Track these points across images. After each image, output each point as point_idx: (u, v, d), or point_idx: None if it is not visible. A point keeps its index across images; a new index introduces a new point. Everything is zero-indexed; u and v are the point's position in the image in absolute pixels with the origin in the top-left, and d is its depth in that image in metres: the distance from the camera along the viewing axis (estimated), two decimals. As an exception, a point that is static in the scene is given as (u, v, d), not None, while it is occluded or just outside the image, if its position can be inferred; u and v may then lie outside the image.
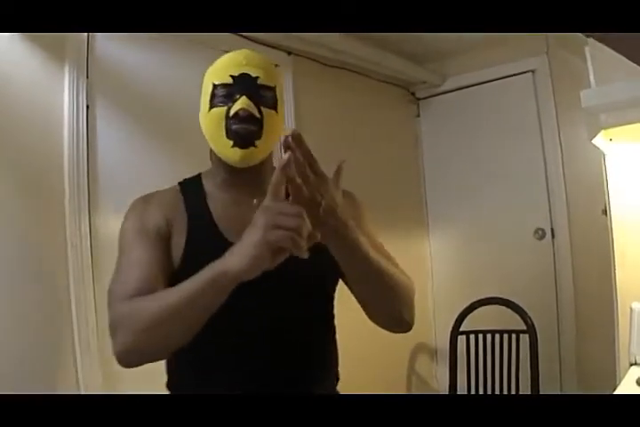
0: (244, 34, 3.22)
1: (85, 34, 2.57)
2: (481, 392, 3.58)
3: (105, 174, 2.62)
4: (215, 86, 1.53)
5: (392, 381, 4.21)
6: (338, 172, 1.34)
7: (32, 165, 2.39)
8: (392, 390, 4.10)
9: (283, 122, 1.60)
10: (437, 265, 4.82)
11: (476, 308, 3.69)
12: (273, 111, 1.53)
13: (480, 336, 3.61)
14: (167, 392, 1.59)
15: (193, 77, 2.97)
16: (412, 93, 4.89)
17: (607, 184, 2.46)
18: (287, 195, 1.22)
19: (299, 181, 1.21)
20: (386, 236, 4.10)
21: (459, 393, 3.67)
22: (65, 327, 2.45)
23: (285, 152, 1.17)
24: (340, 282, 1.64)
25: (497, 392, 3.51)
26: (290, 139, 1.17)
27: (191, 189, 1.64)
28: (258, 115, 1.49)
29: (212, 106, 1.53)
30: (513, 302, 3.54)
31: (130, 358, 1.34)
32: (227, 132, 1.49)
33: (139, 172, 2.74)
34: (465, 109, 4.66)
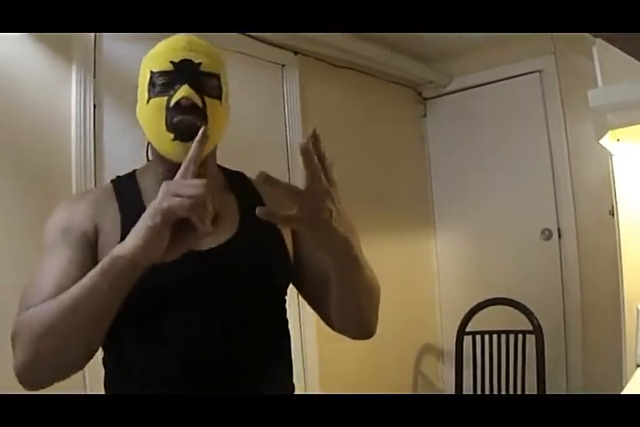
0: (250, 33, 3.22)
1: (92, 33, 2.58)
2: (487, 392, 3.57)
3: (112, 173, 2.60)
4: (153, 74, 1.38)
5: (398, 381, 4.21)
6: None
7: (39, 164, 2.39)
8: (398, 390, 4.10)
9: (228, 114, 1.47)
10: (444, 265, 4.82)
11: (482, 308, 3.69)
12: (217, 101, 1.39)
13: (486, 337, 3.61)
14: None
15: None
16: (419, 93, 4.89)
17: (614, 185, 2.45)
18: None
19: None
20: (392, 236, 4.12)
21: (464, 393, 3.66)
22: None
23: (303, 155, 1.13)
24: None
25: (503, 393, 3.51)
26: (309, 144, 1.13)
27: (125, 187, 1.53)
28: (201, 104, 1.35)
29: (150, 96, 1.38)
30: (519, 303, 3.54)
31: (31, 375, 1.21)
32: (167, 125, 1.34)
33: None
34: (472, 109, 4.65)
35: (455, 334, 3.75)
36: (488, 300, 3.69)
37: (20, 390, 1.20)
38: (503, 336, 3.55)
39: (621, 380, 2.36)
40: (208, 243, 1.33)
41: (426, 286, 4.74)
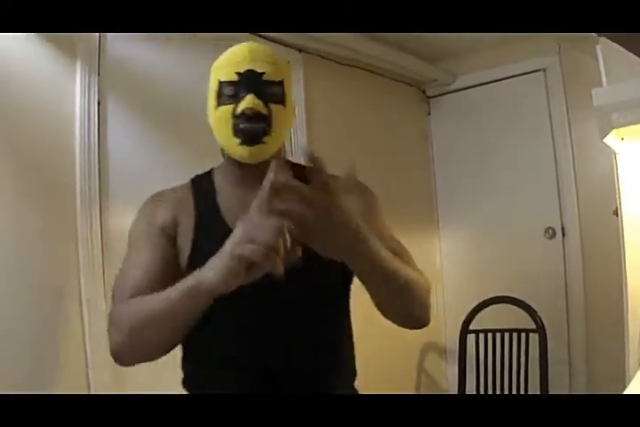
0: (254, 31, 3.22)
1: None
2: (490, 391, 3.57)
3: (116, 169, 2.63)
4: (221, 83, 1.51)
5: (401, 380, 4.21)
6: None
7: (43, 161, 2.40)
8: (401, 389, 4.10)
9: (292, 115, 1.58)
10: (447, 264, 4.82)
11: (485, 307, 3.69)
12: (281, 106, 1.50)
13: (490, 335, 3.61)
14: (182, 390, 1.59)
15: (204, 73, 2.99)
16: (423, 92, 4.88)
17: (618, 183, 2.45)
18: None
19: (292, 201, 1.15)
20: (396, 234, 4.11)
21: (468, 392, 3.66)
22: (74, 327, 2.46)
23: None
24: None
25: (506, 391, 3.51)
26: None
27: (202, 185, 1.64)
28: (265, 112, 1.46)
29: (218, 103, 1.51)
30: (522, 301, 3.53)
31: (123, 357, 1.40)
32: (234, 131, 1.46)
33: (149, 167, 2.77)
34: (476, 108, 4.65)
35: (458, 332, 3.74)
36: (491, 298, 3.69)
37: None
38: (506, 335, 3.55)
39: (624, 378, 2.36)
40: None
41: (429, 285, 4.73)
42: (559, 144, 4.16)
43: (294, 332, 1.51)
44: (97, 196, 2.53)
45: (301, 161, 1.42)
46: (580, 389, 3.97)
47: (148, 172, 2.74)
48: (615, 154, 2.44)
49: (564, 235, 4.14)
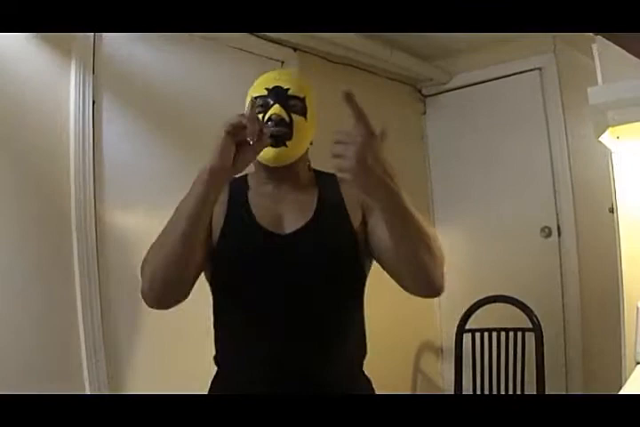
0: (249, 30, 3.22)
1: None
2: (486, 390, 3.58)
3: (110, 169, 2.62)
4: (254, 99, 1.74)
5: (397, 379, 4.21)
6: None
7: (38, 160, 2.39)
8: (397, 387, 4.10)
9: (313, 129, 1.82)
10: (443, 263, 4.80)
11: (481, 306, 3.69)
12: (302, 118, 1.76)
13: (486, 334, 3.61)
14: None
15: (199, 73, 3.00)
16: (419, 91, 4.88)
17: (614, 182, 2.45)
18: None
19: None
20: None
21: (464, 391, 3.66)
22: (72, 326, 2.45)
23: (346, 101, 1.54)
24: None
25: (502, 390, 3.51)
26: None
27: (236, 185, 1.84)
28: (288, 119, 1.72)
29: None
30: (519, 300, 3.54)
31: (152, 294, 1.59)
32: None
33: (144, 166, 2.76)
34: (471, 107, 4.65)
35: (455, 331, 3.75)
36: (487, 297, 3.69)
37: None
38: (502, 334, 3.55)
39: (621, 377, 2.36)
40: (288, 228, 1.72)
41: (425, 284, 4.73)
42: (555, 143, 4.17)
43: (305, 291, 1.70)
44: (92, 195, 2.52)
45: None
46: (577, 387, 3.97)
47: (143, 170, 2.74)
48: (611, 153, 2.44)
49: (559, 234, 4.14)
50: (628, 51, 1.90)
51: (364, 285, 1.84)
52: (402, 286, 1.73)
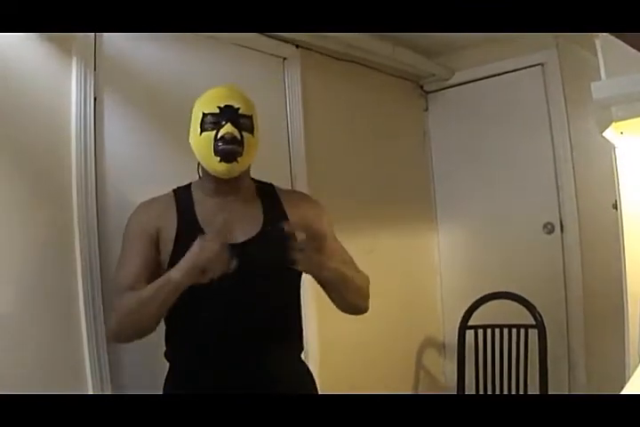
0: (251, 27, 3.21)
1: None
2: (489, 387, 3.57)
3: (112, 166, 2.61)
4: (205, 115, 1.94)
5: (400, 375, 4.20)
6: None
7: (39, 157, 2.38)
8: (399, 384, 4.10)
9: (258, 143, 2.02)
10: (446, 259, 4.81)
11: (484, 302, 3.68)
12: (250, 135, 1.96)
13: (488, 331, 3.61)
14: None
15: (201, 69, 2.99)
16: (421, 87, 4.87)
17: (617, 178, 2.44)
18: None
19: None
20: (394, 230, 4.10)
21: (466, 387, 3.66)
22: (74, 325, 2.44)
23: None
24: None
25: (505, 387, 3.51)
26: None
27: (182, 196, 2.09)
28: (239, 137, 1.91)
29: (202, 130, 1.94)
30: (521, 297, 3.53)
31: (115, 337, 2.06)
32: (215, 151, 1.91)
33: (146, 163, 2.75)
34: (473, 103, 4.64)
35: (457, 328, 3.74)
36: (490, 294, 3.69)
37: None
38: (505, 330, 3.55)
39: (624, 374, 2.35)
40: (239, 237, 1.95)
41: (428, 281, 4.74)
42: (558, 139, 4.15)
43: (255, 295, 1.95)
44: (93, 192, 2.51)
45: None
46: (580, 384, 3.96)
47: (145, 167, 2.73)
48: (614, 148, 2.43)
49: (562, 230, 4.13)
50: (634, 47, 1.89)
51: (300, 289, 2.16)
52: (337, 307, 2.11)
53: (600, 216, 3.68)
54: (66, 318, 2.42)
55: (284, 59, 3.56)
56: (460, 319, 3.74)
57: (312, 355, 3.17)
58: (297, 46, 3.62)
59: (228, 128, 1.89)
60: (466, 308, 3.74)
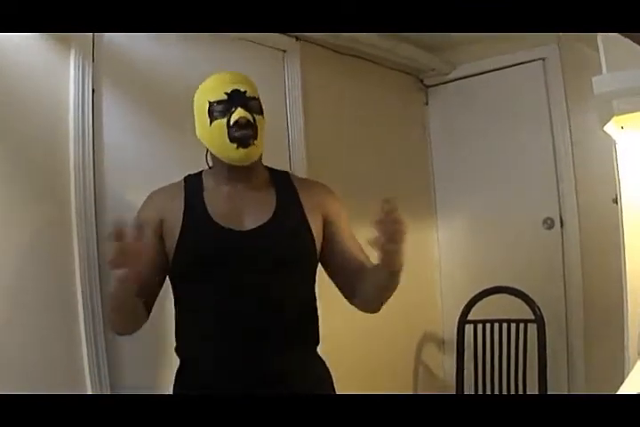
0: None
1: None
2: (488, 381, 3.57)
3: (110, 157, 2.61)
4: (211, 104, 1.89)
5: (399, 370, 4.20)
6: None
7: (37, 149, 2.38)
8: (398, 379, 4.10)
9: (265, 124, 1.96)
10: (445, 254, 4.81)
11: (483, 297, 3.68)
12: (261, 116, 1.93)
13: (488, 325, 3.61)
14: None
15: (200, 61, 2.98)
16: (421, 81, 4.86)
17: (618, 173, 2.43)
18: None
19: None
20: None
21: (465, 382, 3.66)
22: (73, 323, 2.44)
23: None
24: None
25: (504, 381, 3.51)
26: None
27: (193, 184, 2.02)
28: (252, 120, 1.87)
29: (212, 119, 1.89)
30: (521, 292, 3.53)
31: (113, 329, 1.95)
32: (230, 138, 1.85)
33: (144, 155, 2.75)
34: (474, 97, 4.63)
35: (456, 322, 3.74)
36: (490, 289, 3.69)
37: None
38: (505, 325, 3.55)
39: (623, 369, 2.35)
40: (248, 225, 1.88)
41: (427, 276, 4.73)
42: (558, 134, 4.14)
43: (264, 285, 1.85)
44: (91, 184, 2.50)
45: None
46: (579, 379, 3.97)
47: (143, 159, 2.72)
48: (615, 143, 2.42)
49: (562, 225, 4.12)
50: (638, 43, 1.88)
51: (315, 277, 2.05)
52: (345, 297, 2.06)
53: (600, 211, 3.68)
54: (64, 317, 2.42)
55: (284, 51, 3.55)
56: (459, 314, 3.74)
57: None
58: (297, 39, 3.61)
59: (240, 112, 1.84)
60: (465, 302, 3.74)
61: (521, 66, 4.34)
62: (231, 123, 1.84)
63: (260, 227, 1.88)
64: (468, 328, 3.68)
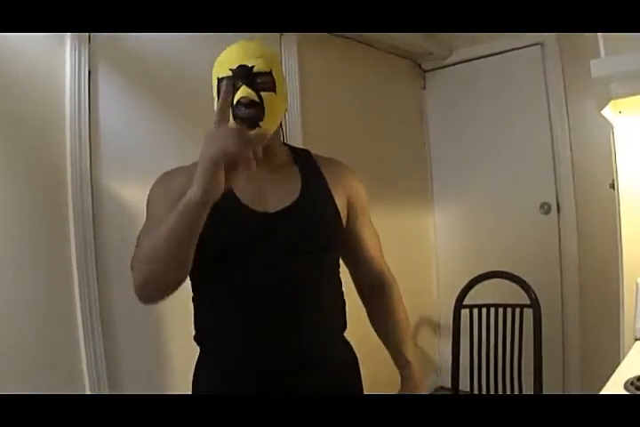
0: None
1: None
2: (483, 366, 3.58)
3: (107, 140, 2.61)
4: (219, 80, 1.75)
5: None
6: None
7: (34, 131, 2.37)
8: (393, 364, 4.11)
9: (285, 100, 1.81)
10: (442, 239, 4.82)
11: (479, 282, 3.68)
12: (272, 93, 1.74)
13: (483, 310, 3.61)
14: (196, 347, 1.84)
15: (196, 45, 2.96)
16: (419, 65, 4.86)
17: (615, 158, 2.43)
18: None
19: None
20: (391, 209, 4.10)
21: (461, 367, 3.67)
22: (71, 321, 2.45)
23: None
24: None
25: (499, 366, 3.51)
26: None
27: None
28: (257, 99, 1.71)
29: (219, 97, 1.73)
30: (517, 277, 3.53)
31: (143, 293, 1.59)
32: (234, 118, 1.69)
33: (141, 137, 2.75)
34: (471, 82, 4.63)
35: (452, 307, 3.75)
36: (486, 273, 3.68)
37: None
38: (500, 310, 3.55)
39: (619, 354, 2.36)
40: (275, 206, 1.75)
41: (424, 260, 4.74)
42: (555, 119, 4.15)
43: (293, 269, 1.74)
44: (88, 167, 2.50)
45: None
46: (574, 364, 3.99)
47: (140, 142, 2.73)
48: (612, 128, 2.42)
49: (559, 210, 4.13)
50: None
51: (339, 261, 1.97)
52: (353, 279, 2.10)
53: (597, 196, 3.69)
54: (63, 317, 2.42)
55: (281, 35, 3.53)
56: (455, 298, 3.74)
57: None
58: (294, 22, 3.60)
59: (242, 91, 1.69)
60: (461, 287, 3.74)
61: (519, 50, 4.35)
62: (234, 102, 1.70)
63: (288, 207, 1.77)
64: (464, 313, 3.68)
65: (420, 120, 4.86)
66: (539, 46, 4.24)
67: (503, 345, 3.51)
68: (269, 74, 1.76)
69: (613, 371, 1.80)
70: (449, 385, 3.73)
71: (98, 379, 2.46)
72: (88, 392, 2.43)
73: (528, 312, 3.44)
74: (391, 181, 4.31)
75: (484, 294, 3.69)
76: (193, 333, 1.83)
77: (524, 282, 3.49)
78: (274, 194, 1.79)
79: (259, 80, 1.74)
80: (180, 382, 2.20)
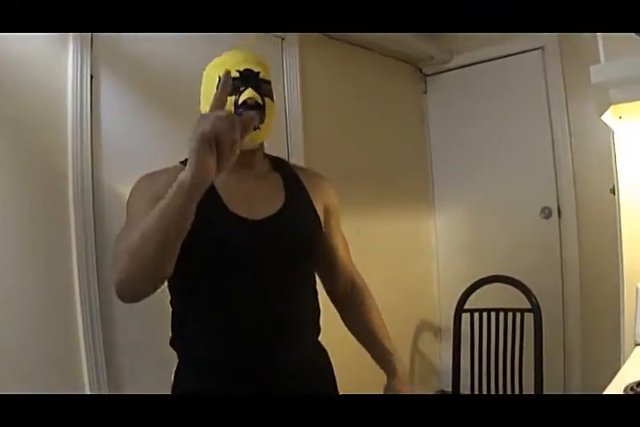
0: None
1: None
2: (484, 371, 3.58)
3: (108, 143, 2.61)
4: (220, 79, 1.72)
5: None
6: None
7: (35, 135, 2.38)
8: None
9: (275, 109, 1.85)
10: (443, 243, 4.82)
11: (480, 286, 3.68)
12: (271, 100, 1.81)
13: (484, 314, 3.61)
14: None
15: (196, 50, 2.97)
16: (420, 70, 4.86)
17: (616, 162, 2.43)
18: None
19: None
20: (392, 213, 4.10)
21: (462, 371, 3.67)
22: (70, 320, 2.45)
23: None
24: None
25: (500, 371, 3.51)
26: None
27: None
28: (261, 102, 1.76)
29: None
30: (518, 281, 3.53)
31: (123, 289, 1.52)
32: None
33: (142, 142, 2.76)
34: (473, 86, 4.63)
35: (453, 311, 3.75)
36: (487, 277, 3.69)
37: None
38: (501, 314, 3.55)
39: (619, 359, 2.35)
40: (260, 213, 1.76)
41: (424, 264, 4.74)
42: (556, 123, 4.15)
43: (277, 275, 1.76)
44: (89, 170, 2.50)
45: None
46: (575, 369, 3.98)
47: (142, 146, 2.74)
48: (613, 133, 2.42)
49: (560, 215, 4.13)
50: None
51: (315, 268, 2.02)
52: (323, 284, 2.11)
53: (598, 201, 3.69)
54: (63, 317, 2.42)
55: (282, 39, 3.54)
56: (456, 303, 3.74)
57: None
58: (295, 27, 3.60)
59: (249, 93, 1.73)
60: (462, 291, 3.74)
61: (520, 55, 4.35)
62: (239, 102, 1.74)
63: (274, 215, 1.79)
64: (465, 317, 3.68)
65: (421, 124, 4.86)
66: (539, 51, 4.24)
67: (504, 349, 3.51)
68: (269, 83, 1.84)
69: (614, 376, 1.80)
70: (450, 389, 3.73)
71: (98, 379, 2.46)
72: (88, 392, 2.43)
73: (529, 317, 3.44)
74: (392, 185, 4.31)
75: (484, 298, 3.70)
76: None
77: (525, 286, 3.50)
78: (259, 201, 1.81)
79: (262, 86, 1.79)
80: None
